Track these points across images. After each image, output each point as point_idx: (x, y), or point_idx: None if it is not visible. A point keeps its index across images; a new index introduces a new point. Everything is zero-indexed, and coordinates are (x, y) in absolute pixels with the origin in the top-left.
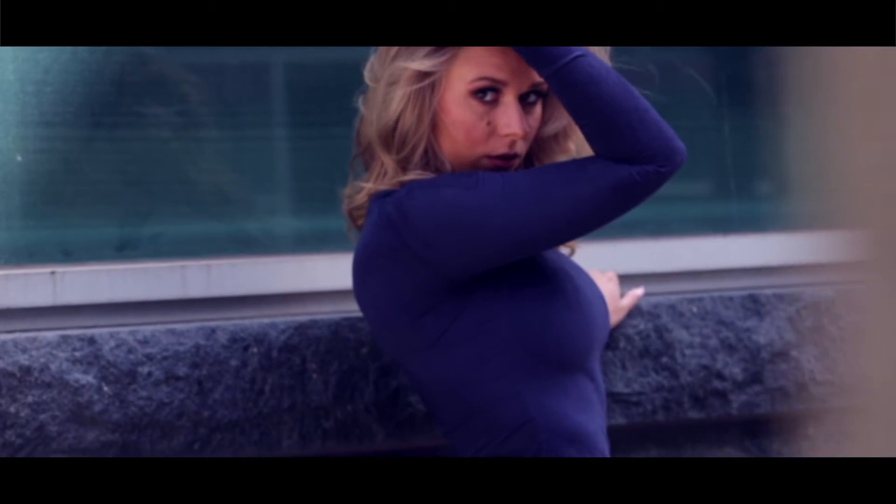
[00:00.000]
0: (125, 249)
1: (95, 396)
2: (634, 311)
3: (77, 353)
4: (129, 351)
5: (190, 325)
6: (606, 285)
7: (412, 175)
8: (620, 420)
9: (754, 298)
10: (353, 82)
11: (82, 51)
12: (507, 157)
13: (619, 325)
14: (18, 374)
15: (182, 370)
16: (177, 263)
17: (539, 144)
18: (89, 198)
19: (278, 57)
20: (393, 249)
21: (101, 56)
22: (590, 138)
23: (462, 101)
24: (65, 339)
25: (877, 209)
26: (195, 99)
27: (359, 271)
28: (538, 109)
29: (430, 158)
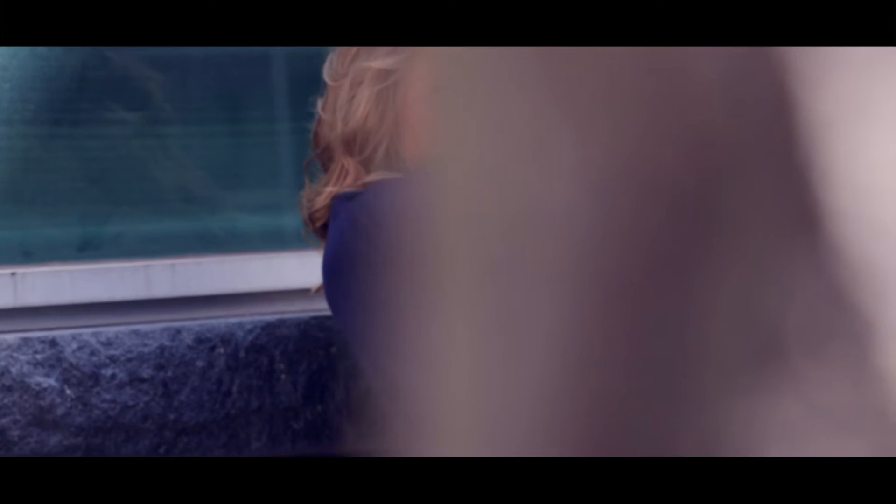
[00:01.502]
0: (87, 249)
1: (58, 399)
2: None
3: (38, 356)
4: (92, 353)
5: (154, 326)
6: None
7: (376, 175)
8: None
9: None
10: (319, 77)
11: (41, 47)
12: None
13: None
14: None
15: (146, 372)
16: (140, 263)
17: None
18: (50, 197)
19: (244, 51)
20: (365, 254)
21: (60, 52)
22: None
23: (425, 98)
24: (26, 341)
25: (465, 223)
26: (158, 95)
27: (331, 277)
28: None
29: (392, 157)
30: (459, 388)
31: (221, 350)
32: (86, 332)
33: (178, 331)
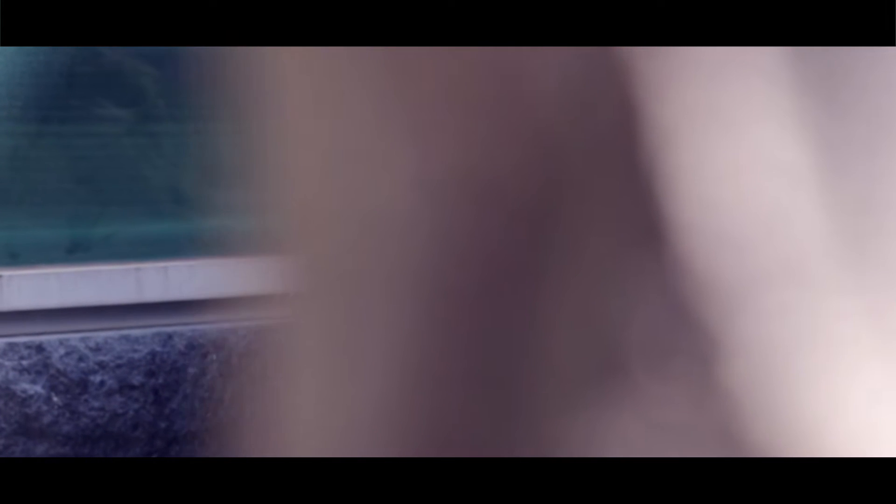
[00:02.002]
0: (76, 251)
1: (44, 407)
2: None
3: (24, 362)
4: (81, 359)
5: (145, 331)
6: None
7: None
8: None
9: None
10: None
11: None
12: None
13: None
14: None
15: (137, 379)
16: (131, 266)
17: None
18: (38, 197)
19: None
20: None
21: (49, 48)
22: None
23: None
24: (11, 346)
25: (311, 232)
26: (150, 91)
27: None
28: None
29: None
30: (307, 400)
31: (214, 356)
32: (74, 338)
33: (170, 336)
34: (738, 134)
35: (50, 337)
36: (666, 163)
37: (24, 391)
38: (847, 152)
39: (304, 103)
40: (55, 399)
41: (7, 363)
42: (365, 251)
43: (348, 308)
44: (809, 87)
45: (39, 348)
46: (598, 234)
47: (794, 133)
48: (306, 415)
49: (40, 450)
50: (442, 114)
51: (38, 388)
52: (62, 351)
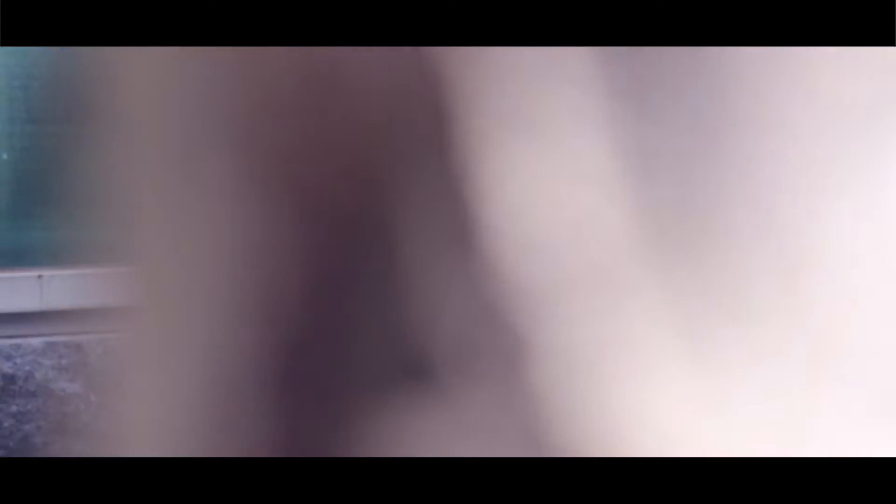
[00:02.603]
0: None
1: (83, 406)
2: None
3: (63, 361)
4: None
5: None
6: None
7: None
8: None
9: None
10: None
11: None
12: None
13: None
14: (2, 383)
15: None
16: None
17: None
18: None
19: None
20: None
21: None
22: None
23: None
24: (51, 345)
25: (141, 241)
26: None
27: None
28: None
29: None
30: (139, 409)
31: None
32: (112, 337)
33: None
34: (548, 140)
35: (89, 336)
36: (477, 168)
37: (62, 390)
38: (663, 157)
39: (133, 108)
40: (94, 398)
41: (46, 362)
42: (190, 260)
43: (174, 316)
44: (624, 92)
45: (78, 347)
46: (410, 238)
47: (605, 139)
48: (139, 422)
49: (79, 448)
50: (262, 118)
51: (76, 388)
52: (101, 350)
